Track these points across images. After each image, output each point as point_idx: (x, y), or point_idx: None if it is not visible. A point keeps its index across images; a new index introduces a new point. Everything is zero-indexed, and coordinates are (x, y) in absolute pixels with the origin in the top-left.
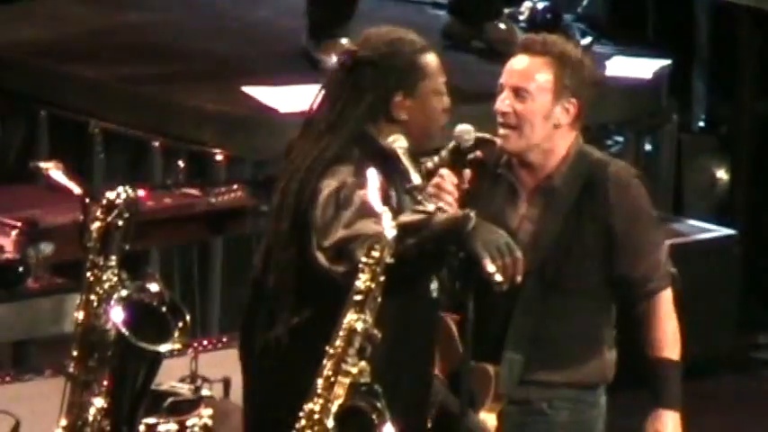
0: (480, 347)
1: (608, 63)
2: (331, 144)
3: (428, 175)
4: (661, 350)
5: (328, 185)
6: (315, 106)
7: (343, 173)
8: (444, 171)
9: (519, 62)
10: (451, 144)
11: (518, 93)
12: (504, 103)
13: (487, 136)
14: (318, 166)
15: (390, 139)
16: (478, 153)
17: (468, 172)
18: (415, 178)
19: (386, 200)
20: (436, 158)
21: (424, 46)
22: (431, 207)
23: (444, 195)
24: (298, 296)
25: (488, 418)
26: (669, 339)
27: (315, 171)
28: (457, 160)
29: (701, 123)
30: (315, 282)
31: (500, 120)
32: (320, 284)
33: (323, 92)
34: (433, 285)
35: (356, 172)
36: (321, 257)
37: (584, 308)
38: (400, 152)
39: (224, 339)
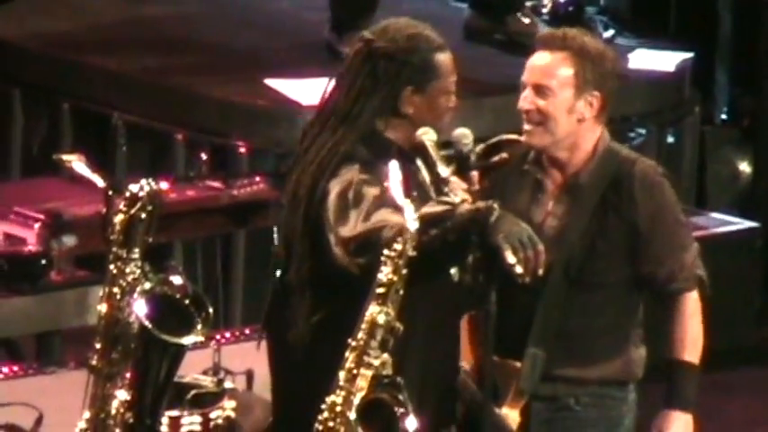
0: (504, 343)
1: (630, 56)
2: (344, 139)
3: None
4: (680, 351)
5: (335, 186)
6: (329, 91)
7: (350, 171)
8: (452, 179)
9: (539, 59)
10: (452, 151)
11: (540, 90)
12: (526, 101)
13: (513, 137)
14: (330, 164)
15: (420, 131)
16: (504, 155)
17: (475, 174)
18: (443, 170)
19: (406, 193)
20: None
21: (441, 45)
22: (456, 199)
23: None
24: (316, 290)
25: (511, 413)
26: (689, 341)
27: (327, 168)
28: (460, 165)
29: (724, 116)
30: (331, 278)
31: (524, 117)
32: (336, 281)
33: (338, 77)
34: (453, 270)
35: (362, 170)
36: (340, 253)
37: (609, 304)
38: (429, 144)
39: (247, 332)
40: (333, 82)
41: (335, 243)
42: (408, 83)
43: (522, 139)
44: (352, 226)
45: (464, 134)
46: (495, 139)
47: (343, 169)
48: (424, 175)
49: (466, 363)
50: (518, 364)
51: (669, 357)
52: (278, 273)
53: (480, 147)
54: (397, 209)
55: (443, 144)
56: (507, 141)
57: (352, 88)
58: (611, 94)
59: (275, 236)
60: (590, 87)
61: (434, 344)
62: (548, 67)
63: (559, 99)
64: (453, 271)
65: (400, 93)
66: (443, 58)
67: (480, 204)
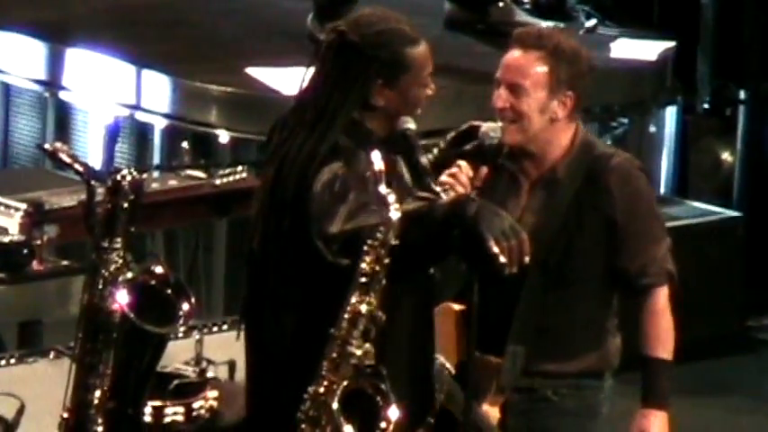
0: (484, 339)
1: (612, 45)
2: (324, 137)
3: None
4: (651, 348)
5: (320, 180)
6: (305, 83)
7: (334, 166)
8: (462, 162)
9: (514, 57)
10: (441, 144)
11: (514, 88)
12: (500, 99)
13: (478, 124)
14: (314, 162)
15: (401, 120)
16: (476, 143)
17: (484, 169)
18: (424, 160)
19: (388, 183)
20: (435, 150)
21: (413, 38)
22: (438, 189)
23: (457, 187)
24: (303, 285)
25: (491, 410)
26: (660, 337)
27: (310, 167)
28: (478, 156)
29: (706, 105)
30: (320, 271)
31: (498, 114)
32: (325, 274)
33: (313, 69)
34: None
35: (346, 162)
36: (324, 249)
37: (588, 298)
38: (409, 134)
39: (229, 322)
40: (309, 73)
41: (318, 236)
42: (378, 77)
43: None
44: (336, 223)
45: (493, 128)
46: (465, 126)
47: (327, 166)
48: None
49: (445, 356)
50: (496, 360)
51: (642, 354)
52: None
53: (450, 135)
54: (379, 200)
55: (426, 134)
56: (477, 128)
57: (326, 81)
58: (585, 92)
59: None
60: (564, 88)
61: (413, 335)
62: (522, 65)
63: (533, 99)
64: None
65: (371, 86)
66: (415, 51)
67: (458, 196)
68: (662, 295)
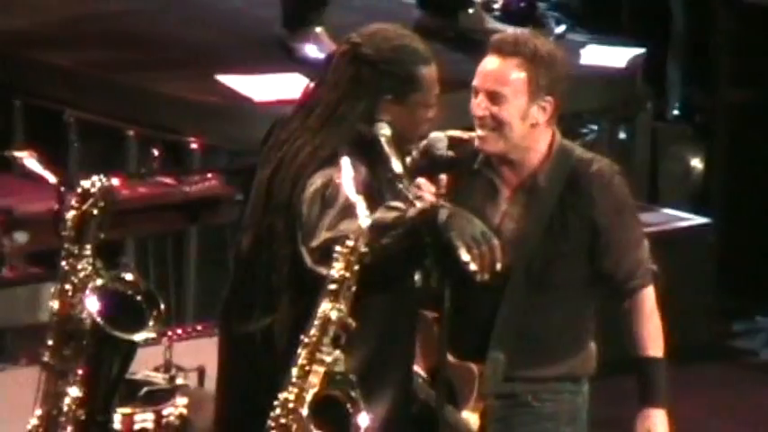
0: (464, 345)
1: (582, 51)
2: (325, 144)
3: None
4: (645, 348)
5: (314, 183)
6: (312, 88)
7: (330, 171)
8: (421, 180)
9: (491, 64)
10: (422, 146)
11: (493, 96)
12: (479, 107)
13: (458, 134)
14: (311, 167)
15: (377, 126)
16: (450, 153)
17: (443, 178)
18: (397, 167)
19: (369, 194)
20: (408, 160)
21: (426, 58)
22: (411, 196)
23: (426, 196)
24: (294, 288)
25: (471, 417)
26: (654, 337)
27: (307, 171)
28: (432, 168)
29: (676, 112)
30: (307, 276)
31: (477, 123)
32: (311, 279)
33: (322, 74)
34: (416, 275)
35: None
36: (306, 256)
37: (569, 303)
38: (383, 140)
39: (198, 328)
40: (318, 79)
41: (302, 243)
42: (388, 92)
43: (476, 144)
44: (319, 235)
45: (439, 138)
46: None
47: (323, 170)
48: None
49: (417, 364)
50: (475, 367)
51: (636, 355)
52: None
53: (423, 144)
54: (350, 208)
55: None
56: (452, 139)
57: (335, 90)
58: (563, 96)
59: (228, 233)
60: (543, 93)
61: (393, 344)
62: (500, 73)
63: (513, 105)
64: (417, 276)
65: (379, 101)
66: (427, 71)
67: (428, 204)
68: (650, 295)
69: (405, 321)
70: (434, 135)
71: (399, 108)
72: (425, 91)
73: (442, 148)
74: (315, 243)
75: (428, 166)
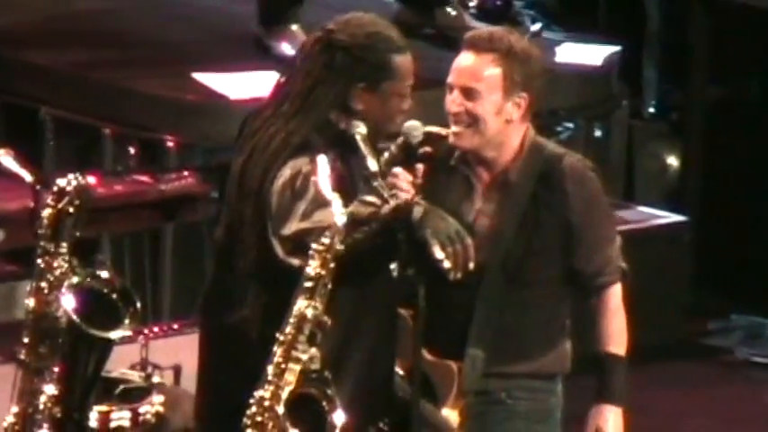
0: (442, 343)
1: (558, 49)
2: (298, 130)
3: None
4: (608, 345)
5: (285, 172)
6: (287, 77)
7: (300, 161)
8: (398, 169)
9: (466, 60)
10: (400, 140)
11: (468, 92)
12: (454, 103)
13: (435, 129)
14: (283, 154)
15: (353, 124)
16: (427, 149)
17: (420, 167)
18: (372, 165)
19: (342, 186)
20: (386, 154)
21: (401, 46)
22: (386, 194)
23: (400, 194)
24: (263, 278)
25: (451, 414)
26: (617, 334)
27: (278, 158)
28: (408, 157)
29: (652, 110)
30: (276, 266)
31: (452, 119)
32: (281, 269)
33: (295, 63)
34: (392, 265)
35: (313, 160)
36: (277, 246)
37: (545, 299)
38: (358, 138)
39: (175, 326)
40: (293, 68)
41: (273, 233)
42: (361, 80)
43: (451, 140)
44: (290, 225)
45: (415, 126)
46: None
47: (294, 160)
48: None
49: (397, 363)
50: (454, 365)
51: (597, 351)
52: (219, 259)
53: (400, 140)
54: (325, 205)
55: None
56: (427, 135)
57: (308, 76)
58: (538, 93)
59: (204, 230)
60: (518, 89)
61: (375, 341)
62: (475, 69)
63: (488, 101)
64: (393, 266)
65: (352, 89)
66: (401, 60)
67: (402, 201)
68: (617, 293)
69: (372, 316)
70: (410, 123)
71: (372, 97)
72: (399, 80)
73: (417, 135)
74: (287, 232)
75: (404, 154)
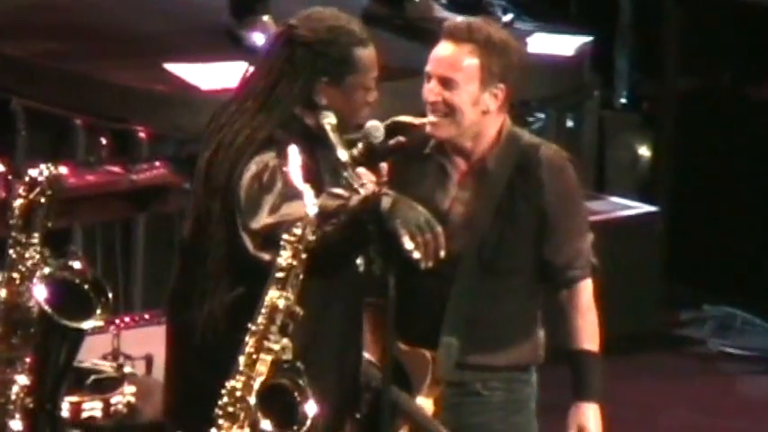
0: (416, 332)
1: (530, 40)
2: (263, 126)
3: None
4: (581, 341)
5: (252, 167)
6: (251, 72)
7: (267, 155)
8: (361, 170)
9: (444, 50)
10: (362, 141)
11: (445, 82)
12: (432, 92)
13: (405, 119)
14: (249, 150)
15: (322, 114)
16: (400, 139)
17: (384, 166)
18: (342, 155)
19: (310, 179)
20: (354, 150)
21: (362, 39)
22: (356, 185)
23: (369, 185)
24: (232, 273)
25: (426, 402)
26: (588, 330)
27: (245, 154)
28: (371, 157)
29: (624, 100)
30: (245, 261)
31: (429, 108)
32: (251, 263)
33: (258, 58)
34: (359, 260)
35: (279, 154)
36: (247, 241)
37: (519, 289)
38: (328, 128)
39: (146, 317)
40: (257, 63)
41: (243, 228)
42: (324, 74)
43: (427, 129)
44: (259, 219)
45: (375, 127)
46: (387, 122)
47: (260, 155)
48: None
49: (371, 353)
50: (428, 353)
51: (571, 348)
52: (184, 253)
53: (362, 141)
54: (297, 196)
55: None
56: (401, 124)
57: (271, 72)
58: (515, 84)
59: (176, 221)
60: (495, 80)
61: (342, 332)
62: (453, 59)
63: (465, 91)
64: (359, 261)
65: (315, 83)
66: (364, 53)
67: (370, 192)
68: (588, 288)
69: (339, 306)
70: (371, 124)
71: (336, 91)
72: (362, 73)
73: (378, 136)
74: (256, 226)
75: (366, 155)
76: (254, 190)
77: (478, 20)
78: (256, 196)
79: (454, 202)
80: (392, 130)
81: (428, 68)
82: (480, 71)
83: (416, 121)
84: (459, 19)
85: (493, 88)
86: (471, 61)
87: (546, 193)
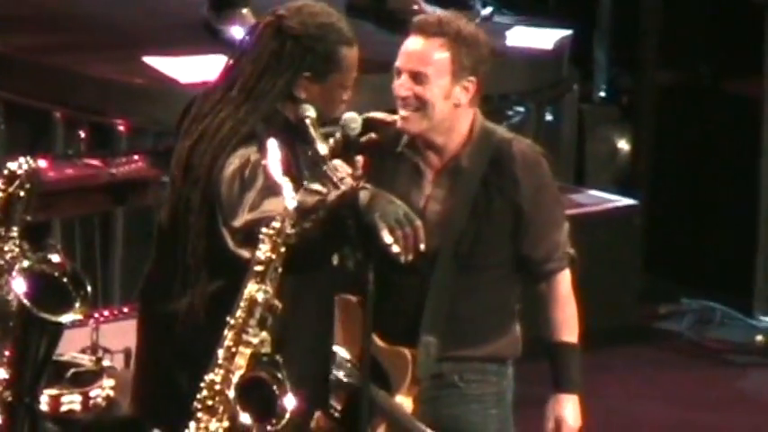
0: (395, 330)
1: (509, 33)
2: (247, 119)
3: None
4: (560, 333)
5: (233, 161)
6: (234, 59)
7: (248, 150)
8: (337, 162)
9: (415, 44)
10: (338, 134)
11: (416, 76)
12: (403, 87)
13: (378, 115)
14: (231, 142)
15: (302, 108)
16: (372, 135)
17: (360, 159)
18: (322, 149)
19: (289, 172)
20: (331, 141)
21: (350, 39)
22: (336, 178)
23: (348, 179)
24: (211, 265)
25: (405, 401)
26: (568, 322)
27: (227, 146)
28: (347, 149)
29: (603, 94)
30: (225, 254)
31: (400, 103)
32: (230, 257)
33: (245, 46)
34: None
35: (260, 148)
36: (227, 237)
37: (496, 284)
38: (308, 122)
39: (125, 310)
40: (243, 50)
41: (223, 224)
42: (308, 69)
43: (399, 125)
44: (240, 217)
45: (353, 118)
46: (360, 119)
47: (242, 149)
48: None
49: (349, 349)
50: (408, 351)
51: (550, 340)
52: (160, 245)
53: (339, 132)
54: (276, 190)
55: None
56: (373, 121)
57: (257, 62)
58: (486, 77)
59: (155, 214)
60: (466, 73)
61: (314, 325)
62: (424, 53)
63: (436, 85)
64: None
65: (298, 77)
66: (348, 52)
67: (348, 187)
68: (566, 280)
69: (311, 302)
70: (348, 115)
71: (317, 87)
72: (344, 72)
73: (355, 128)
74: (237, 223)
75: (342, 146)
76: (236, 186)
77: (448, 14)
78: (237, 193)
79: (429, 200)
80: (365, 126)
81: (398, 63)
82: (451, 65)
83: (389, 118)
84: (431, 12)
85: (464, 81)
86: (442, 55)
87: (521, 189)
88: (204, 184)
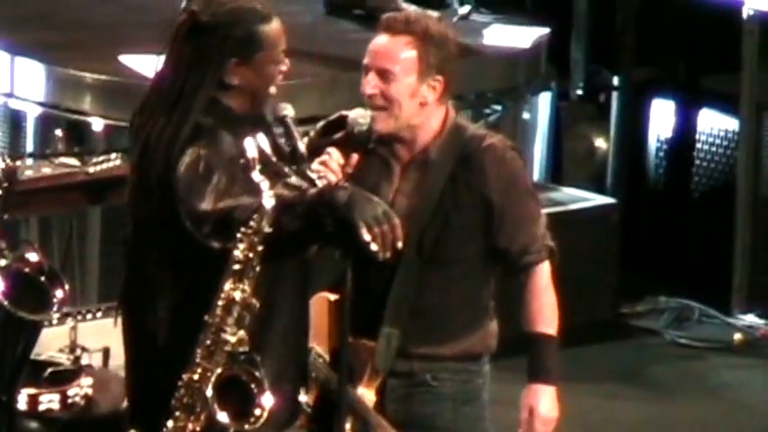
0: (359, 323)
1: (486, 32)
2: (185, 118)
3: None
4: (538, 324)
5: (183, 162)
6: (163, 64)
7: (197, 146)
8: (332, 150)
9: (382, 42)
10: (324, 122)
11: (383, 74)
12: (369, 85)
13: (345, 113)
14: (176, 145)
15: (280, 106)
16: (341, 134)
17: (355, 156)
18: (302, 146)
19: (234, 163)
20: (306, 139)
21: (265, 15)
22: (314, 176)
23: (328, 174)
24: (178, 270)
25: (366, 393)
26: (546, 313)
27: (173, 150)
28: (348, 144)
29: (580, 91)
30: (192, 254)
31: (367, 101)
32: (198, 257)
33: (167, 51)
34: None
35: (208, 142)
36: (194, 230)
37: (464, 279)
38: (289, 120)
39: (103, 309)
40: (163, 56)
41: (187, 217)
42: (232, 55)
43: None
44: (207, 202)
45: (361, 114)
46: (334, 116)
47: (191, 147)
48: (272, 143)
49: (320, 345)
50: (372, 344)
51: (528, 331)
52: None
53: (320, 124)
54: (253, 188)
55: (301, 121)
56: (345, 119)
57: (180, 63)
58: (454, 76)
59: None
60: (433, 72)
61: (289, 323)
62: (391, 51)
63: (402, 84)
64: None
65: (226, 65)
66: (268, 28)
67: (327, 184)
68: (545, 272)
69: (285, 298)
70: (357, 111)
71: (246, 69)
72: (270, 48)
73: (364, 124)
74: (206, 206)
75: (345, 141)
76: (191, 181)
77: (416, 11)
78: (195, 186)
79: (397, 194)
80: (338, 124)
81: (366, 61)
82: (418, 63)
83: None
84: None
85: (431, 80)
86: (409, 53)
87: (489, 182)
88: (159, 189)
